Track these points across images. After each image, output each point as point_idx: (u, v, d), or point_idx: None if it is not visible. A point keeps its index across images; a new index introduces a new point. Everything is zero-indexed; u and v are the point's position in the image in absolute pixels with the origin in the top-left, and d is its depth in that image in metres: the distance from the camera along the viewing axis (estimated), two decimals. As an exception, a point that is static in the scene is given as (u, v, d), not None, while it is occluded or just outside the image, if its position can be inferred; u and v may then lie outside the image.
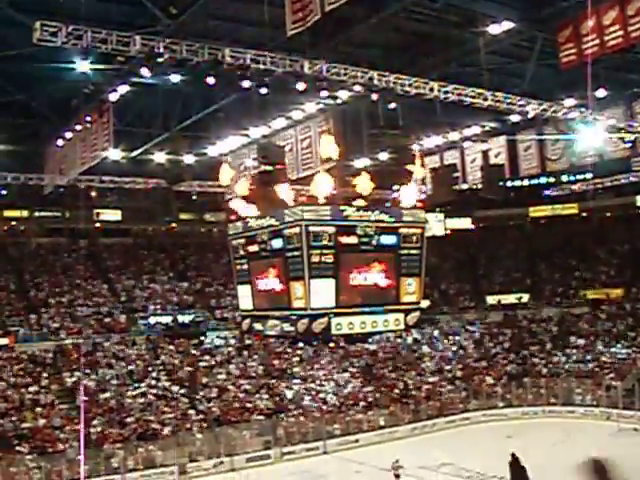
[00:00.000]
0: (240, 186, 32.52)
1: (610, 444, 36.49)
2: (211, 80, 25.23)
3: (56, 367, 42.86)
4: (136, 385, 42.22)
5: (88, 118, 30.46)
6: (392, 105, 29.12)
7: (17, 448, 35.00)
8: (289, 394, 44.27)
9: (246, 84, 25.72)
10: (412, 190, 31.31)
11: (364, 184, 29.55)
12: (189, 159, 39.86)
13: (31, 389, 39.94)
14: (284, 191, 29.45)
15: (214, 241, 57.66)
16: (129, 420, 38.76)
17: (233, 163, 36.44)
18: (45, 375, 41.64)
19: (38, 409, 38.40)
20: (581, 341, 52.18)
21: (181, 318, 51.29)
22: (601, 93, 32.25)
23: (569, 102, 32.90)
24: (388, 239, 29.13)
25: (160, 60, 23.60)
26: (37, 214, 54.81)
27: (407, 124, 31.60)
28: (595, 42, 24.40)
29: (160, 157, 39.62)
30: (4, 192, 46.14)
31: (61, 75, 27.73)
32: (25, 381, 40.60)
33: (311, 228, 27.38)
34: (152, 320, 50.35)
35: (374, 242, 28.81)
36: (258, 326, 33.13)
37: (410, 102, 29.66)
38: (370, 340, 49.39)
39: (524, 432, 40.72)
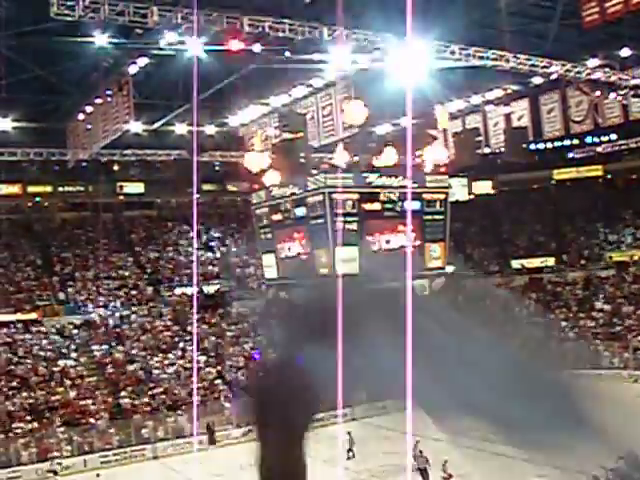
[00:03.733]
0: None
1: (637, 406, 36.41)
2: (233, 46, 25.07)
3: (84, 340, 43.25)
4: (163, 356, 42.62)
5: (108, 92, 30.49)
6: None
7: (49, 420, 35.59)
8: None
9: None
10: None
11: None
12: (210, 129, 39.82)
13: (60, 362, 40.39)
14: (306, 159, 29.36)
15: (238, 211, 57.62)
16: (157, 391, 39.15)
17: (255, 133, 36.39)
18: (73, 348, 42.07)
19: (67, 382, 38.86)
20: (607, 304, 51.94)
21: (206, 289, 51.45)
22: (625, 52, 31.79)
23: (593, 62, 32.44)
24: (412, 205, 28.97)
25: (178, 31, 23.53)
26: (61, 189, 54.90)
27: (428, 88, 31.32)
28: (618, 0, 24.03)
29: (181, 128, 39.62)
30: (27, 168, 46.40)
31: (80, 49, 27.69)
32: (54, 355, 41.04)
33: (334, 195, 27.28)
34: (178, 291, 50.56)
35: (397, 208, 28.67)
36: (283, 295, 33.16)
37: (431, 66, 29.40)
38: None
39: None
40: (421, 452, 28.85)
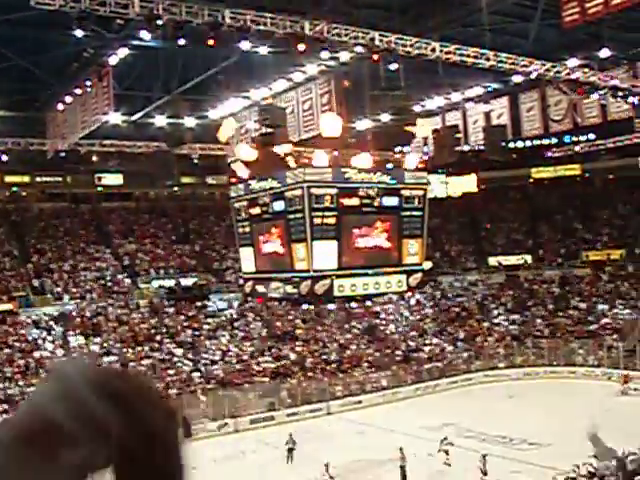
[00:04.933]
0: (242, 150, 32.38)
1: (611, 404, 36.76)
2: (211, 42, 25.02)
3: (60, 332, 43.05)
4: (139, 348, 42.50)
5: (88, 82, 30.32)
6: (394, 66, 28.87)
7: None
8: (292, 356, 44.55)
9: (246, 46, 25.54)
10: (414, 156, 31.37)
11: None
12: (190, 122, 39.70)
13: (36, 354, 40.18)
14: (285, 153, 29.38)
15: (216, 204, 57.56)
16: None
17: (234, 125, 36.34)
18: (49, 339, 41.89)
19: (43, 373, 38.67)
20: (583, 302, 52.33)
21: (184, 281, 51.37)
22: (604, 53, 31.97)
23: (572, 62, 32.63)
24: (390, 201, 29.09)
25: (159, 22, 23.44)
26: (38, 179, 54.65)
27: (409, 85, 31.43)
28: (599, 0, 24.17)
29: (161, 120, 39.47)
30: (5, 158, 45.84)
31: (60, 39, 27.54)
32: (30, 346, 40.83)
33: (313, 190, 27.35)
34: (155, 284, 50.44)
35: (376, 204, 28.77)
36: (261, 288, 33.22)
37: (411, 63, 29.47)
38: (372, 301, 49.51)
39: (526, 392, 40.99)
40: (401, 449, 28.90)
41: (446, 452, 29.29)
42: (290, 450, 31.63)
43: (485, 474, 27.24)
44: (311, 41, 25.90)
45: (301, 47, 26.08)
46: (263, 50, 27.11)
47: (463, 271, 59.97)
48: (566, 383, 43.37)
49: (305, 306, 46.35)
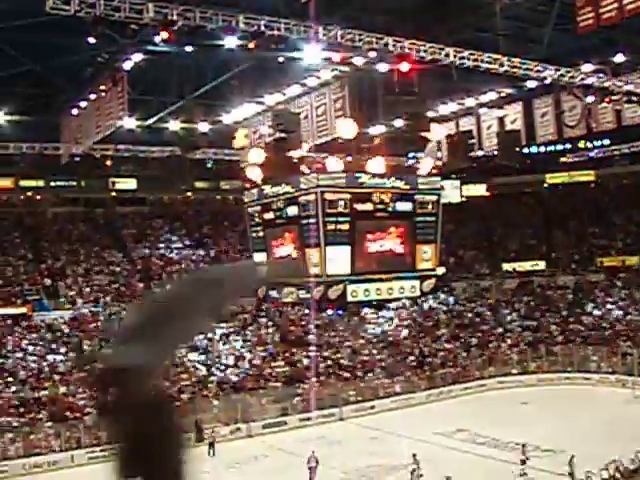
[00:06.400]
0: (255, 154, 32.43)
1: (625, 411, 36.59)
2: (229, 42, 25.04)
3: (73, 336, 43.13)
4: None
5: (102, 87, 30.42)
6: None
7: (37, 415, 35.47)
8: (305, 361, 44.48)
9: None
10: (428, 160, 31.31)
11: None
12: (204, 127, 39.76)
13: (49, 357, 40.28)
14: (299, 158, 29.41)
15: (230, 209, 57.60)
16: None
17: (248, 131, 36.40)
18: (63, 343, 41.97)
19: (56, 377, 38.75)
20: (597, 309, 52.09)
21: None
22: (619, 58, 31.85)
23: (587, 67, 32.49)
24: (403, 206, 29.05)
25: (174, 27, 23.51)
26: (53, 184, 54.81)
27: (422, 90, 31.36)
28: (613, 6, 24.08)
29: (175, 125, 39.54)
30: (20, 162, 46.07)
31: (75, 44, 27.63)
32: (43, 350, 40.93)
33: (326, 195, 27.35)
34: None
35: (390, 209, 28.75)
36: (274, 293, 33.23)
37: (425, 68, 29.42)
38: (386, 307, 49.43)
39: (539, 399, 40.83)
40: (414, 455, 28.76)
41: (523, 462, 28.90)
42: (312, 469, 30.04)
43: (572, 476, 26.93)
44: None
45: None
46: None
47: (477, 277, 59.79)
48: (580, 389, 43.17)
49: (329, 312, 45.95)
